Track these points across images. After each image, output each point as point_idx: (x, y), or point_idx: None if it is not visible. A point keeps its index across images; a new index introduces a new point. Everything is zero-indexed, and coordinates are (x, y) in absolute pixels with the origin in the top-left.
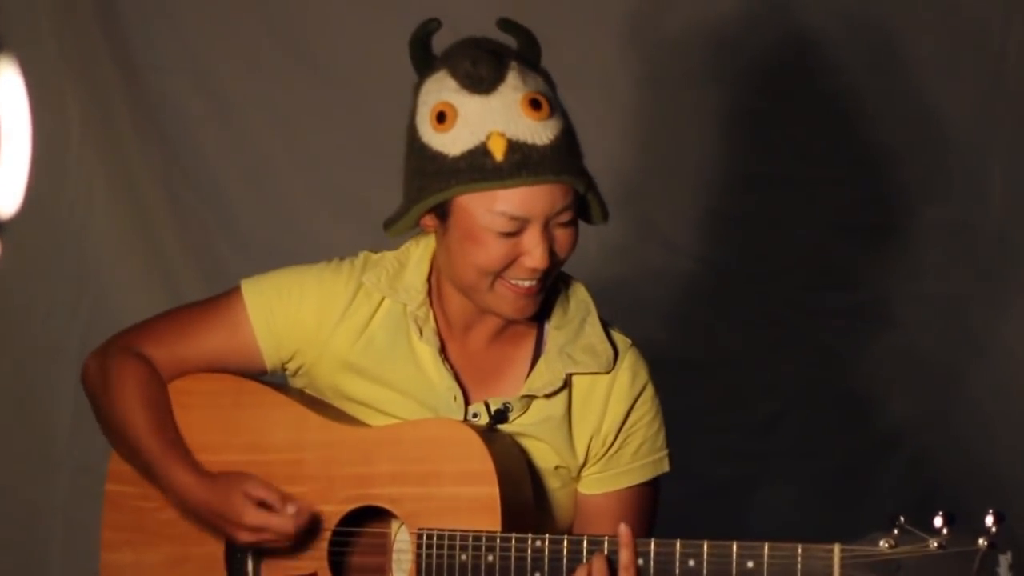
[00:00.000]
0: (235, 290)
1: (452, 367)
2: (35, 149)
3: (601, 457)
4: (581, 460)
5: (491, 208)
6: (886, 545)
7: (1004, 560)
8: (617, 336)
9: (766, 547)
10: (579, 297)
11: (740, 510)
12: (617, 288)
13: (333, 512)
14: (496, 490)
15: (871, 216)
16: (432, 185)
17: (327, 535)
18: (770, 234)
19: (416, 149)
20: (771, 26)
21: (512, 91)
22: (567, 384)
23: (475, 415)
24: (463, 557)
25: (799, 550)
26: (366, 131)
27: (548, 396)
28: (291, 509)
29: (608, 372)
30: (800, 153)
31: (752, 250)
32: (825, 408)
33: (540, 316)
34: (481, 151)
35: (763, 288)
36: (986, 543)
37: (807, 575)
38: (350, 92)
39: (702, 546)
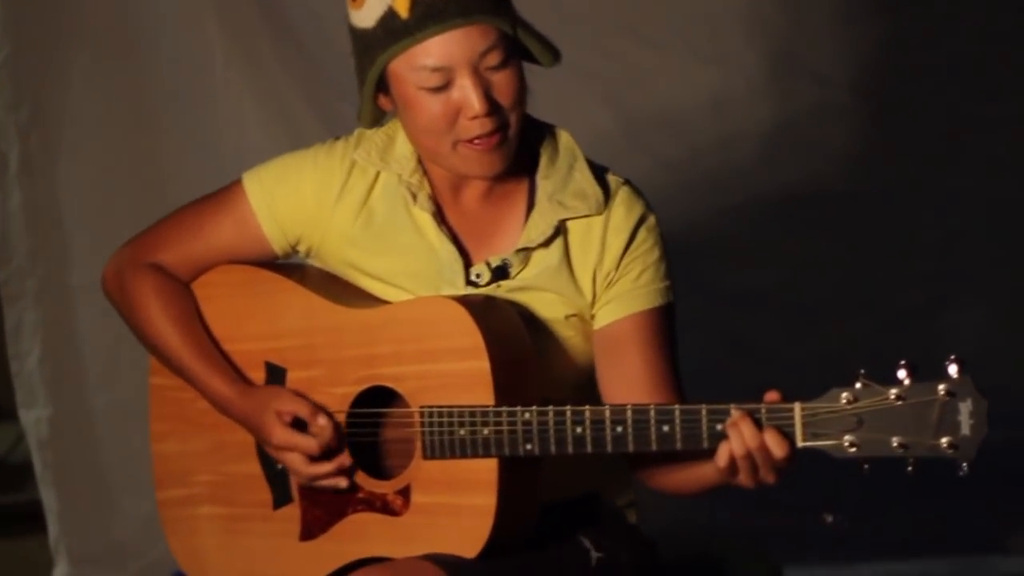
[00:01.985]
0: (236, 183)
1: (451, 230)
2: (183, 79)
3: (607, 289)
4: (589, 297)
5: (413, 65)
6: (846, 400)
7: (964, 408)
8: (610, 177)
9: (732, 408)
10: (565, 145)
11: (930, 334)
12: (775, 129)
13: (346, 394)
14: (486, 364)
15: (1015, 21)
16: (364, 64)
17: (342, 417)
18: (918, 52)
19: (350, 36)
20: None
21: None
22: (561, 230)
23: (478, 275)
24: (461, 432)
25: (763, 411)
26: None
27: (544, 245)
28: (322, 420)
29: (601, 213)
30: None
31: (904, 71)
32: (1005, 221)
33: (530, 169)
34: (390, 14)
35: (922, 108)
36: (945, 392)
37: None
38: None
39: (674, 412)
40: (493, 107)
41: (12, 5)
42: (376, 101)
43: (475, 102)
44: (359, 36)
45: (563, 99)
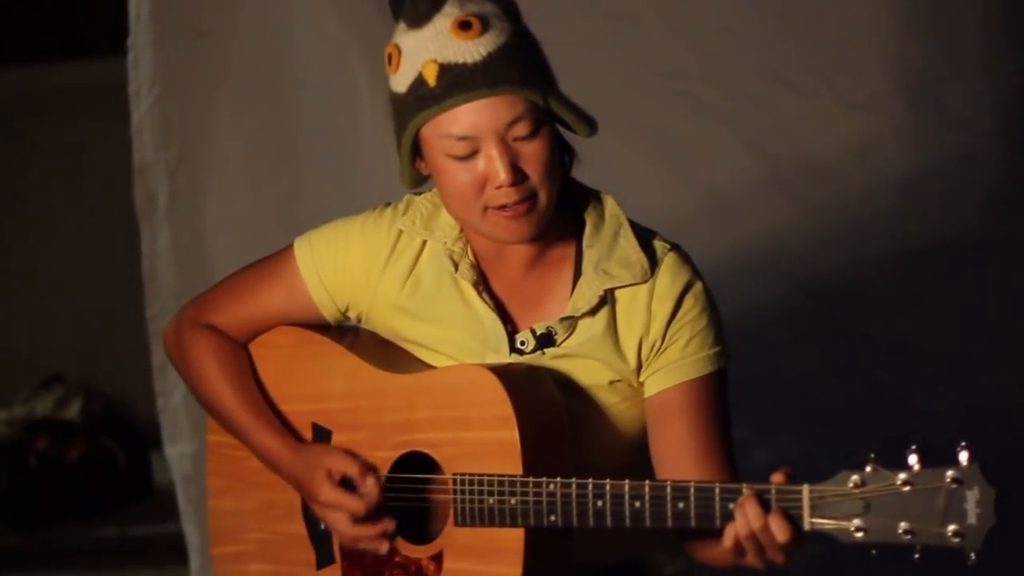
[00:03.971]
0: (288, 248)
1: (496, 298)
2: (329, 121)
3: (654, 357)
4: (634, 364)
5: (440, 133)
6: (854, 484)
7: (971, 496)
8: (657, 244)
9: (744, 488)
10: (610, 211)
11: None
12: (922, 175)
13: (386, 458)
14: (516, 434)
15: None
16: (399, 127)
17: (382, 481)
18: None
19: (389, 99)
20: None
21: (444, 18)
22: (607, 299)
23: (523, 343)
24: (491, 501)
25: (772, 492)
26: (644, 53)
27: (590, 314)
28: (370, 481)
29: (646, 281)
30: None
31: None
32: None
33: (576, 236)
34: (419, 81)
35: None
36: (952, 479)
37: None
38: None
39: (690, 489)
40: (519, 177)
41: (162, 46)
42: (414, 165)
43: (500, 172)
44: (394, 100)
45: (708, 144)
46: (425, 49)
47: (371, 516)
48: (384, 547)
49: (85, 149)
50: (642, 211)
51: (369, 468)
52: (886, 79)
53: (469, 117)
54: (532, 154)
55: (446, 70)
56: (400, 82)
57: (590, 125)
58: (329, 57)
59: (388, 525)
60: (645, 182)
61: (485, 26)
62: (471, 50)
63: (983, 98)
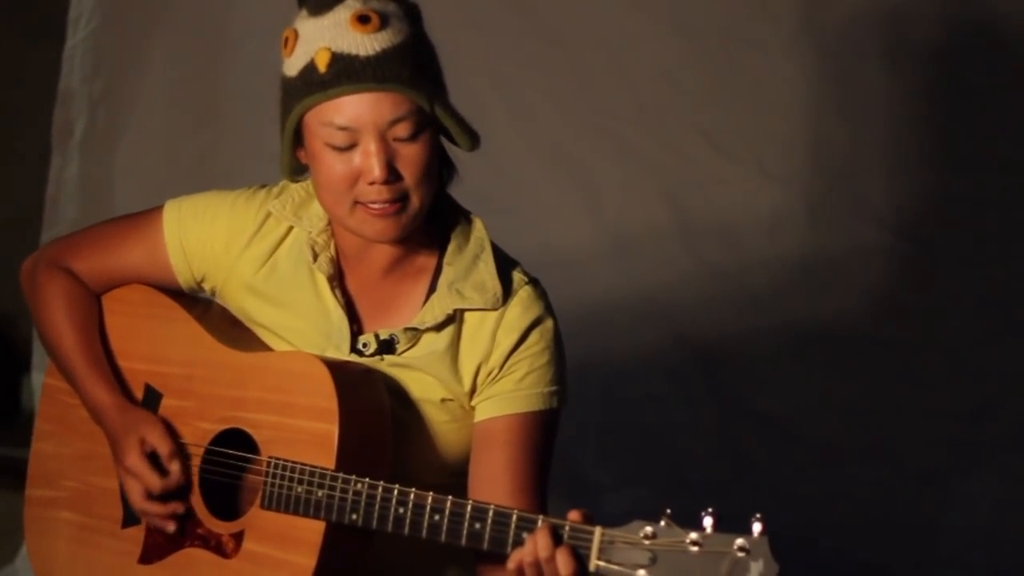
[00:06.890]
0: (158, 209)
1: (348, 296)
2: (261, 84)
3: (488, 384)
4: (468, 387)
5: (322, 120)
6: (644, 535)
7: (755, 567)
8: (516, 275)
9: (540, 520)
10: (477, 234)
11: (941, 498)
12: (826, 260)
13: (208, 430)
14: (335, 429)
15: None
16: (283, 112)
17: (200, 451)
18: (986, 216)
19: (280, 83)
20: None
21: (345, 9)
22: (455, 319)
23: (364, 345)
24: (299, 489)
25: (567, 528)
26: (580, 84)
27: (435, 329)
28: (174, 466)
29: (496, 309)
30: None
31: (967, 232)
32: None
33: (440, 252)
34: (310, 67)
35: (978, 271)
36: (739, 548)
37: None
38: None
39: (488, 511)
40: (393, 176)
41: None
42: (295, 153)
43: (375, 168)
44: (284, 83)
45: (625, 186)
46: (321, 36)
47: (166, 496)
48: (170, 528)
49: (15, 67)
50: (547, 237)
51: (180, 454)
52: (809, 158)
53: (353, 108)
54: (410, 156)
55: (338, 59)
56: (292, 66)
57: (472, 139)
58: (270, 28)
59: (177, 508)
60: (556, 209)
61: (384, 23)
62: (365, 43)
63: (898, 196)
